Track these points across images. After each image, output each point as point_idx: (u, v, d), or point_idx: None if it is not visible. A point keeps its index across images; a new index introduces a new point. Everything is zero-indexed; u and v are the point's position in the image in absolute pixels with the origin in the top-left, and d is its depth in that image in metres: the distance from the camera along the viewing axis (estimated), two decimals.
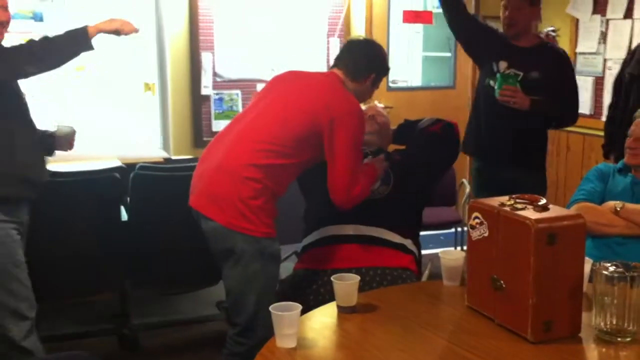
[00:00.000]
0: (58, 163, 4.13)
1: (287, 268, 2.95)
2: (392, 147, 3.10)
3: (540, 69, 3.26)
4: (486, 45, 3.42)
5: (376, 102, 5.12)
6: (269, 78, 2.47)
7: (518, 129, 3.29)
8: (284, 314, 1.80)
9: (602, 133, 4.00)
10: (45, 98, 4.60)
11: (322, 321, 2.02)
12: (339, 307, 2.04)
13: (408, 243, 2.76)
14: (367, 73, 2.67)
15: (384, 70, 2.77)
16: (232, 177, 2.43)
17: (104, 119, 4.83)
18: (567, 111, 3.39)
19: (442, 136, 2.99)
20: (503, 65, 3.30)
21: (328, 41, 5.12)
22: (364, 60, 2.67)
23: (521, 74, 3.23)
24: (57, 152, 2.97)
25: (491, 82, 3.29)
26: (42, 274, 3.15)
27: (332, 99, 2.53)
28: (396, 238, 2.73)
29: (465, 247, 2.18)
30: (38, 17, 4.48)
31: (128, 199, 3.36)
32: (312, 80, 2.66)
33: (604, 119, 4.73)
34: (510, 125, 3.28)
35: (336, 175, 2.51)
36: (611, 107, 3.91)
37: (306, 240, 2.82)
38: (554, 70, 3.31)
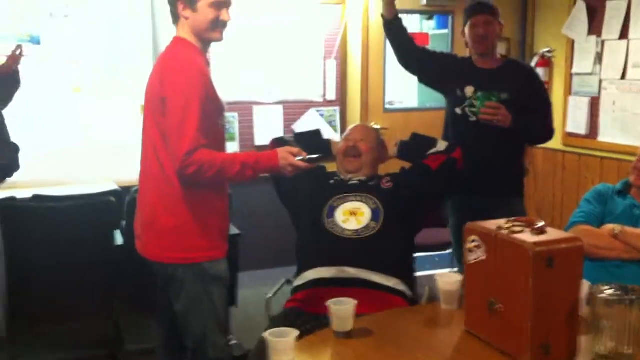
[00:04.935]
0: (53, 187, 4.14)
1: (284, 292, 2.91)
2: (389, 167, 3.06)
3: (509, 90, 3.19)
4: (447, 74, 3.37)
5: (373, 124, 5.14)
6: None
7: (489, 157, 3.25)
8: (280, 340, 1.79)
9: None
10: (41, 119, 4.59)
11: (318, 347, 2.00)
12: (335, 332, 2.02)
13: (395, 283, 2.65)
14: (175, 7, 2.46)
15: None
16: (170, 220, 2.43)
17: (100, 141, 4.81)
18: (542, 128, 3.34)
19: (436, 176, 2.93)
20: (470, 90, 3.23)
21: (325, 63, 5.13)
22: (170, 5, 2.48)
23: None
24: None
25: (466, 110, 3.23)
26: (35, 297, 3.14)
27: (158, 80, 2.41)
28: (384, 280, 2.63)
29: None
30: (35, 41, 4.49)
31: (124, 222, 3.34)
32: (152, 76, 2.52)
33: (599, 138, 4.75)
34: (481, 154, 3.20)
35: (168, 134, 2.37)
36: None
37: (296, 282, 2.77)
38: (524, 88, 3.26)
